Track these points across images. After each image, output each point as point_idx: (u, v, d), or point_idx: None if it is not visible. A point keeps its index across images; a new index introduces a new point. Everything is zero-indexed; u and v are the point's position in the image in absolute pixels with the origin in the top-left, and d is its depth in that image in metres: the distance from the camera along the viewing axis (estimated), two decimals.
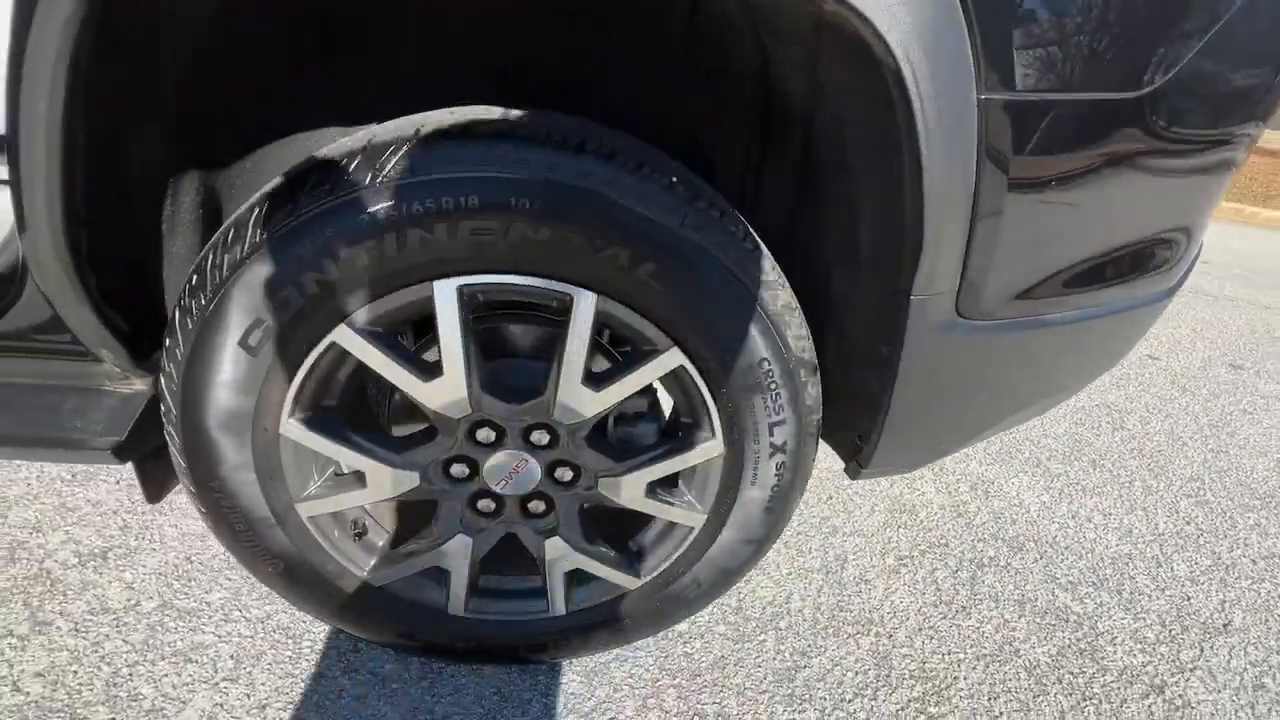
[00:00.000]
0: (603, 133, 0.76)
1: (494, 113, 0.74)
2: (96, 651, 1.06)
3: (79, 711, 0.98)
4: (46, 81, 0.61)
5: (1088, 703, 1.21)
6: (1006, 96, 0.71)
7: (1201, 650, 1.35)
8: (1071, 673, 1.26)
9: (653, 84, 1.02)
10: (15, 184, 0.67)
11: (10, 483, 1.35)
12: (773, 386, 0.86)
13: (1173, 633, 1.39)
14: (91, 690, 1.01)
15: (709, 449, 0.91)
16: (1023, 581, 1.48)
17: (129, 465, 0.92)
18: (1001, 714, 1.17)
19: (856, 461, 1.04)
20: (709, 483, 0.95)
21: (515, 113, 0.74)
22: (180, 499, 1.37)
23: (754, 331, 0.82)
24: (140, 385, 0.93)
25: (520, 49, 0.96)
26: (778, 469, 0.93)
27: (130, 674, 1.04)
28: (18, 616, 1.10)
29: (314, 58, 0.87)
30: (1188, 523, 1.76)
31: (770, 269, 0.83)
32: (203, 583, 1.21)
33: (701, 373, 0.85)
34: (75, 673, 1.03)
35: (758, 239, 0.82)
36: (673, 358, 0.83)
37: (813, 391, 0.91)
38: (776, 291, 0.83)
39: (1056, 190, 0.79)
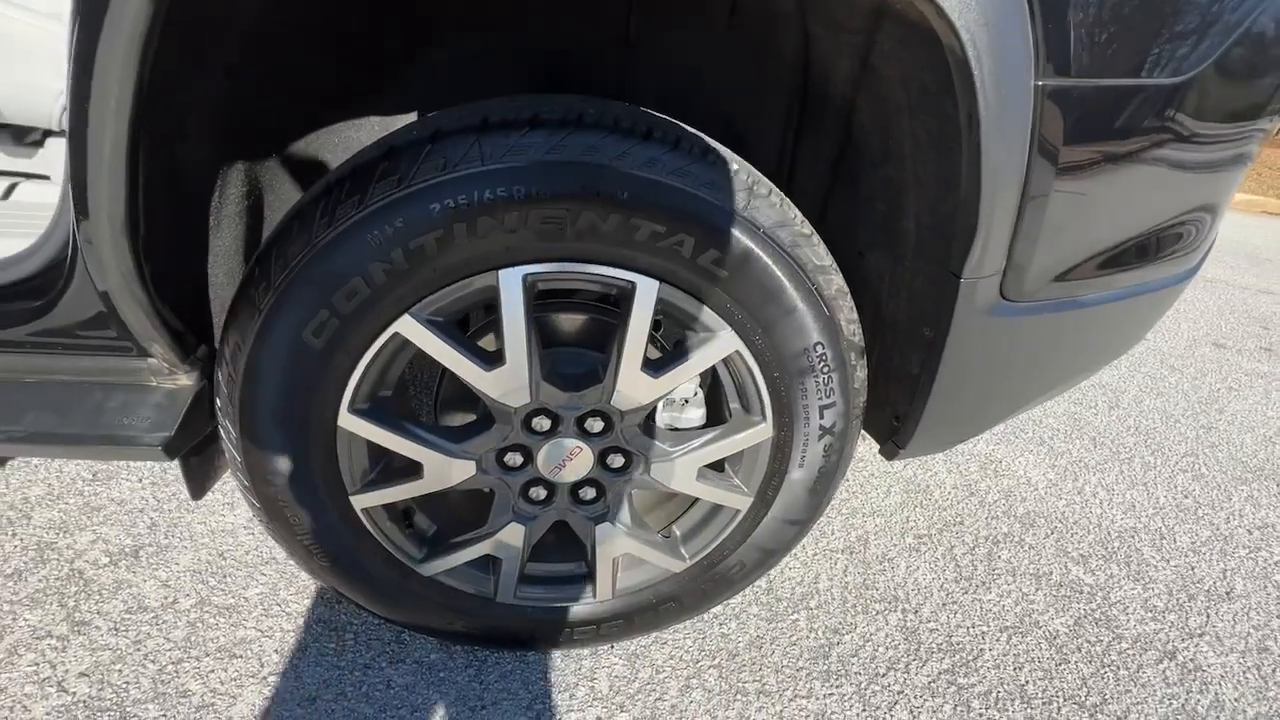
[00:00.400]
0: (667, 121, 0.76)
1: (560, 101, 0.74)
2: (139, 650, 1.05)
3: (129, 710, 0.97)
4: (117, 77, 0.59)
5: (1107, 669, 1.26)
6: (1061, 83, 0.73)
7: (1208, 617, 1.42)
8: (1089, 641, 1.32)
9: (692, 71, 1.02)
10: (78, 175, 0.66)
11: (30, 483, 1.32)
12: (825, 370, 0.88)
13: (1180, 601, 1.45)
14: (139, 688, 1.00)
15: (759, 432, 0.92)
16: (1037, 556, 1.53)
17: (152, 463, 0.91)
18: (1027, 683, 1.21)
19: (894, 442, 1.06)
20: (756, 466, 0.97)
21: (582, 100, 0.75)
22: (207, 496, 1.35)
23: (810, 316, 0.84)
24: (185, 380, 0.92)
25: (564, 35, 0.96)
26: (825, 451, 0.95)
27: (176, 671, 1.03)
28: (55, 617, 1.08)
29: (358, 49, 0.86)
30: (1186, 496, 1.83)
31: (825, 254, 0.84)
32: (239, 579, 1.20)
33: (755, 357, 0.86)
34: (120, 671, 1.02)
35: (810, 225, 0.84)
36: (729, 343, 0.84)
37: (860, 375, 0.93)
38: (831, 276, 0.84)
39: (1099, 174, 0.81)
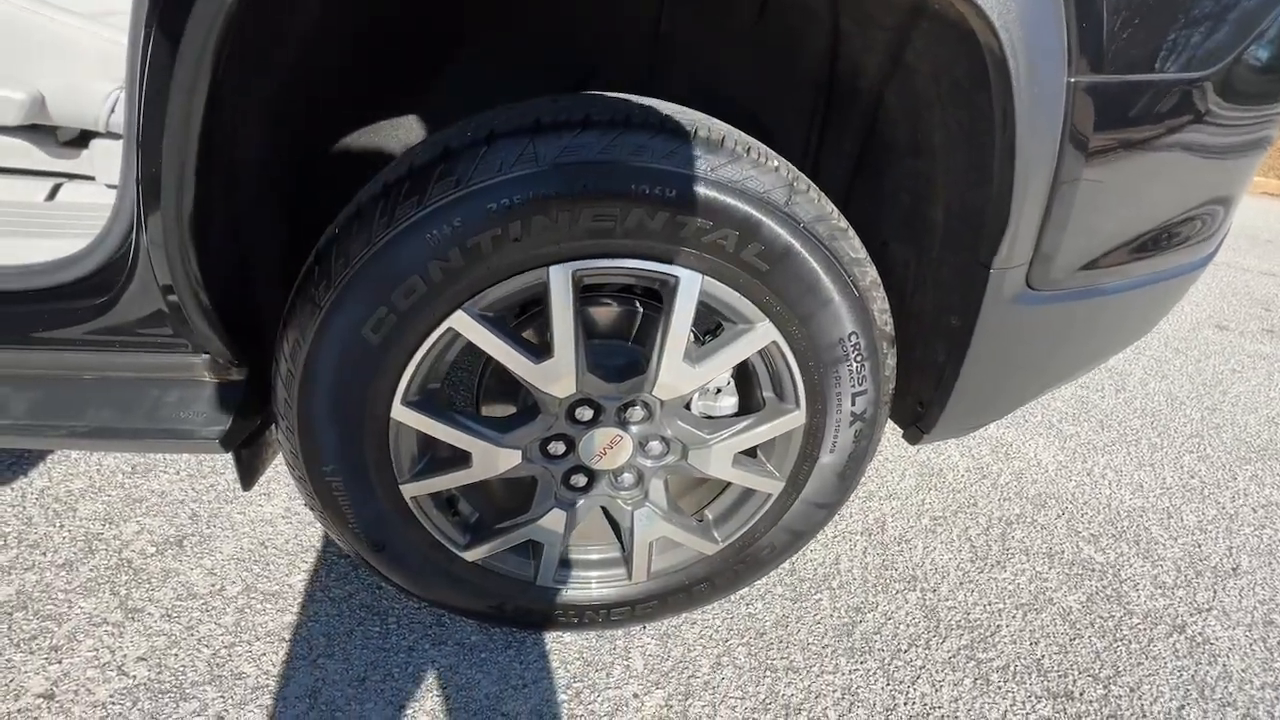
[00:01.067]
0: (713, 121, 0.79)
1: (609, 100, 0.76)
2: (192, 635, 1.09)
3: (187, 691, 1.01)
4: (193, 80, 0.62)
5: (1119, 643, 1.31)
6: (1093, 79, 0.76)
7: (1215, 592, 1.46)
8: (1102, 617, 1.36)
9: (720, 66, 1.04)
10: (150, 175, 0.68)
11: (71, 476, 1.36)
12: (858, 358, 0.91)
13: (1188, 577, 1.50)
14: (195, 671, 1.04)
15: (793, 419, 0.96)
16: (1049, 536, 1.58)
17: (188, 456, 0.93)
18: (1043, 656, 1.26)
19: (918, 427, 1.10)
20: (789, 451, 1.01)
21: (628, 100, 0.77)
22: (238, 486, 1.39)
23: (845, 307, 0.87)
24: (237, 375, 0.95)
25: (595, 31, 0.97)
26: (856, 436, 0.99)
27: (229, 654, 1.07)
28: (108, 605, 1.12)
29: (403, 49, 0.88)
30: (1192, 476, 1.87)
31: (859, 247, 0.87)
32: (282, 566, 1.23)
33: (792, 347, 0.89)
34: (175, 655, 1.06)
35: (846, 219, 0.86)
36: (767, 334, 0.87)
37: (891, 362, 0.96)
38: (866, 268, 0.87)
39: (1127, 166, 0.84)
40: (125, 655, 1.05)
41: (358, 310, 0.76)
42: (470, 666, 1.11)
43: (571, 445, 0.95)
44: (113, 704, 0.98)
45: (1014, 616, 1.34)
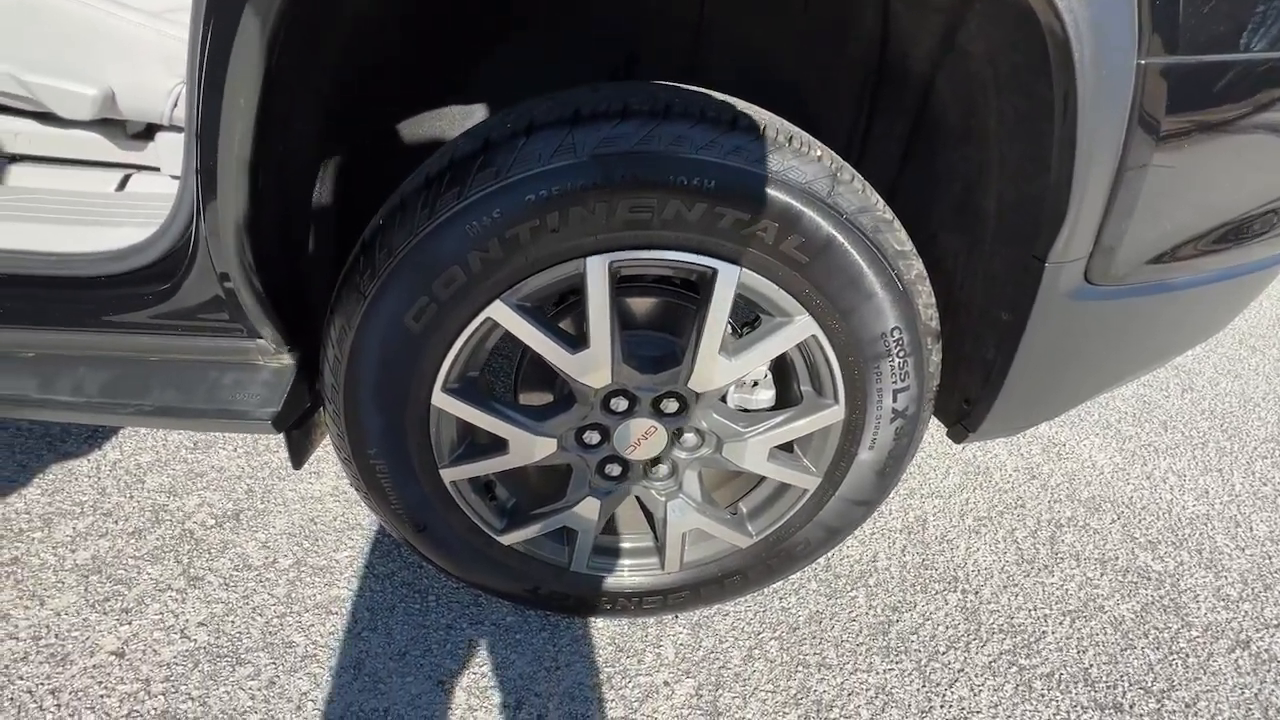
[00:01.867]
0: (752, 109, 0.77)
1: (648, 90, 0.76)
2: (248, 604, 1.16)
3: (243, 656, 1.07)
4: (248, 73, 0.64)
5: (1175, 656, 1.25)
6: (1166, 60, 0.71)
7: None
8: (1157, 628, 1.30)
9: (765, 51, 1.02)
10: (207, 167, 0.71)
11: (140, 450, 1.44)
12: (900, 354, 0.89)
13: (1255, 590, 1.41)
14: (249, 638, 1.10)
15: (831, 414, 0.94)
16: (1102, 541, 1.51)
17: (245, 434, 0.98)
18: (1091, 665, 1.21)
19: (963, 425, 1.06)
20: (826, 447, 0.99)
21: (668, 88, 0.76)
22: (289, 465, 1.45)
23: (888, 301, 0.84)
24: (288, 359, 0.99)
25: (638, 18, 0.96)
26: (897, 434, 0.96)
27: (280, 624, 1.13)
28: (173, 573, 1.19)
29: (447, 40, 0.89)
30: (1264, 483, 1.76)
31: (905, 239, 0.84)
32: (329, 542, 1.29)
33: (831, 341, 0.87)
34: (232, 622, 1.12)
35: (891, 210, 0.84)
36: (806, 328, 0.86)
37: (935, 359, 0.93)
38: (911, 261, 0.85)
39: (1202, 154, 0.79)
40: (188, 620, 1.12)
41: (400, 299, 0.78)
42: (505, 646, 1.14)
43: (606, 435, 0.96)
44: (176, 664, 1.05)
45: (1061, 623, 1.29)
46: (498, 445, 0.94)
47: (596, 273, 0.79)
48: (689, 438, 0.97)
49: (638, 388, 0.91)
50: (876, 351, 0.88)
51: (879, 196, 0.83)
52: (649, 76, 1.05)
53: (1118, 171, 0.76)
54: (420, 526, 1.00)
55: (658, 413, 0.94)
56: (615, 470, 1.01)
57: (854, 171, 0.81)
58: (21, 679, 1.01)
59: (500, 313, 0.81)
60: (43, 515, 1.27)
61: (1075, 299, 0.87)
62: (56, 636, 1.07)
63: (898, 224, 0.84)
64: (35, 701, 0.98)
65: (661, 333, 0.97)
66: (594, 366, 0.86)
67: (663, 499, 1.03)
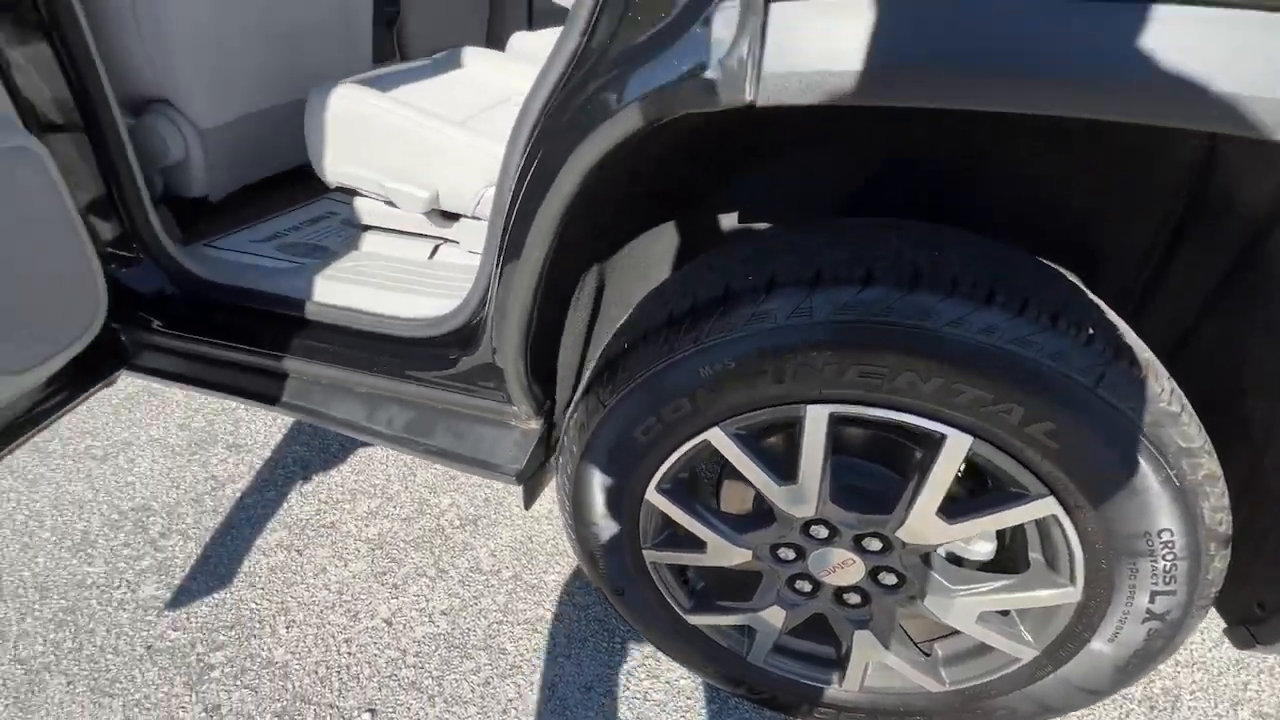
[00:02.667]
0: (1015, 279, 0.71)
1: (899, 253, 0.74)
2: (476, 604, 1.39)
3: (469, 651, 1.30)
4: (548, 225, 0.78)
5: None
6: None
7: None
8: None
9: (1047, 181, 0.92)
10: (507, 255, 0.88)
11: None
12: (1168, 556, 0.76)
13: None
14: (475, 636, 1.33)
15: (1063, 595, 0.84)
16: None
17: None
18: None
19: (1250, 632, 0.87)
20: (1051, 622, 0.89)
21: (920, 252, 0.74)
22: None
23: (1161, 500, 0.72)
24: (534, 425, 1.17)
25: (908, 146, 0.94)
26: (1148, 636, 0.82)
27: (498, 630, 1.35)
28: (427, 562, 1.48)
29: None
30: None
31: (1194, 435, 0.71)
32: (542, 561, 1.49)
33: (1076, 528, 0.78)
34: (465, 618, 1.37)
35: (1185, 400, 0.71)
36: (1045, 507, 0.78)
37: (1219, 565, 0.78)
38: (1199, 460, 0.72)
39: None
40: (435, 607, 1.39)
41: (632, 416, 0.88)
42: (677, 710, 1.22)
43: (802, 554, 0.97)
44: (424, 644, 1.32)
45: None
46: (696, 543, 1.01)
47: (815, 420, 0.80)
48: (888, 577, 0.94)
49: (842, 522, 0.90)
50: (1135, 549, 0.76)
51: (1166, 384, 0.71)
52: (910, 189, 1.01)
53: None
54: (619, 591, 1.12)
55: (859, 548, 0.93)
56: (806, 587, 1.01)
57: (1135, 357, 0.71)
58: (329, 624, 1.35)
59: (717, 438, 0.87)
60: (350, 490, 1.66)
61: None
62: (352, 596, 1.41)
63: (1188, 416, 0.71)
64: (335, 647, 1.31)
65: (876, 464, 0.95)
66: (800, 501, 0.88)
67: (850, 626, 1.01)
